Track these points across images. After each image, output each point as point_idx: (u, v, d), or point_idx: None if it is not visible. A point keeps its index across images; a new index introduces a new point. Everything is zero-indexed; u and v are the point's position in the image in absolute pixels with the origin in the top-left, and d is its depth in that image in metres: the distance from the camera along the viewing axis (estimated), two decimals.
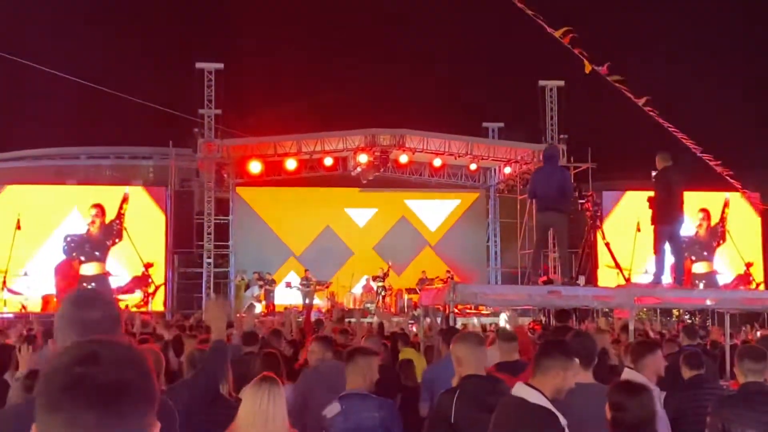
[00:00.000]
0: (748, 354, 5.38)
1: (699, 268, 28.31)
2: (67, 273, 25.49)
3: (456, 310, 13.72)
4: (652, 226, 11.76)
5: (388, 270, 26.97)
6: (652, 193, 12.04)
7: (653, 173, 11.89)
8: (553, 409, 3.93)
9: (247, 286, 26.85)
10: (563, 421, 3.93)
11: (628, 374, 6.07)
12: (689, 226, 27.97)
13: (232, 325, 11.33)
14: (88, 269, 25.81)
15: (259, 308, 25.88)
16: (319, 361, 6.79)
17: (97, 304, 2.89)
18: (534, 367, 4.18)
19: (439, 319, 11.49)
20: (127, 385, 1.57)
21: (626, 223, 23.38)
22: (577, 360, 4.22)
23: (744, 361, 5.30)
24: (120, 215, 26.09)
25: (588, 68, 13.45)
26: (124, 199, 26.27)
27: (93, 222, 25.89)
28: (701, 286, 25.92)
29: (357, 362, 5.22)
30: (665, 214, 11.57)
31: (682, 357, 6.90)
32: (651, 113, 14.77)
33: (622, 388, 4.27)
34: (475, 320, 21.99)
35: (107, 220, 26.02)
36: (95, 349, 1.60)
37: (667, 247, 11.73)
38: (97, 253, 25.97)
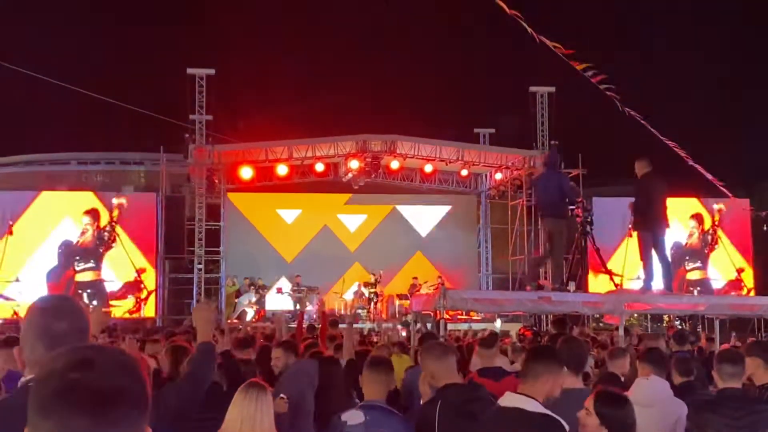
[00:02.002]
0: (727, 358, 5.44)
1: (693, 275, 28.37)
2: (60, 279, 25.44)
3: (447, 316, 13.73)
4: (635, 233, 11.80)
5: (379, 277, 27.02)
6: (633, 199, 12.09)
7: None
8: (556, 416, 3.79)
9: (239, 292, 26.82)
10: (567, 426, 3.81)
11: (656, 381, 6.09)
12: (682, 234, 28.11)
13: (222, 333, 11.28)
14: (84, 276, 25.74)
15: (251, 315, 25.85)
16: (284, 365, 6.75)
17: (66, 314, 2.81)
18: (523, 373, 4.06)
19: (429, 325, 11.51)
20: (121, 391, 1.58)
21: (618, 230, 23.47)
22: (565, 368, 4.17)
23: (722, 364, 5.35)
24: (111, 223, 26.01)
25: (581, 67, 13.54)
26: (115, 207, 26.18)
27: (85, 230, 25.87)
28: (695, 292, 26.02)
29: (379, 372, 5.02)
30: (647, 221, 11.60)
31: (673, 363, 6.91)
32: (643, 122, 14.87)
33: (607, 398, 4.20)
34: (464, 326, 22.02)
35: (100, 225, 25.98)
36: (90, 355, 1.61)
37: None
38: (91, 260, 25.91)
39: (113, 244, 25.88)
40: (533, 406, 3.81)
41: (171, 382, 5.35)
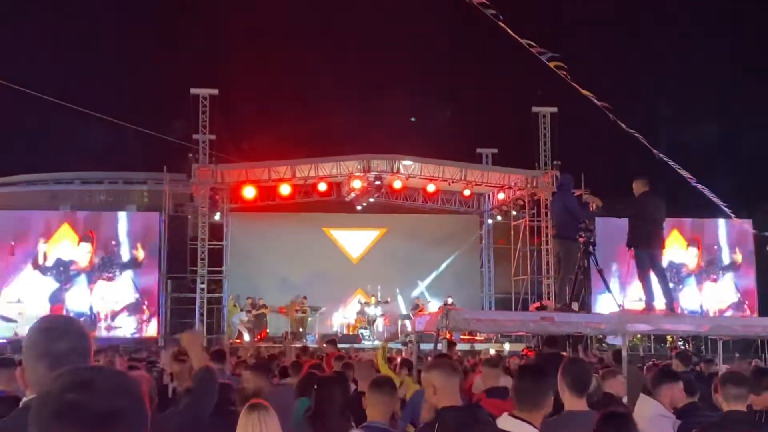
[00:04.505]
0: (731, 379, 5.38)
1: (688, 297, 28.14)
2: (64, 302, 25.42)
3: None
4: (632, 251, 11.72)
5: (387, 302, 27.01)
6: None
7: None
8: None
9: (249, 312, 26.76)
10: None
11: (643, 401, 6.06)
12: (682, 256, 27.98)
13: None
14: (75, 299, 25.65)
15: (246, 335, 25.76)
16: (255, 390, 6.63)
17: (67, 335, 2.77)
18: (521, 397, 4.02)
19: (432, 346, 11.45)
20: (119, 413, 1.58)
21: (621, 250, 23.39)
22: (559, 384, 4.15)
23: (727, 386, 5.29)
24: (123, 266, 26.02)
25: (587, 93, 13.57)
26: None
27: (85, 256, 25.88)
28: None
29: (383, 393, 4.94)
30: (642, 239, 11.54)
31: None
32: (646, 144, 14.88)
33: (609, 419, 4.18)
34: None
35: (103, 250, 25.92)
36: (89, 376, 1.61)
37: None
38: (85, 284, 25.84)
39: (109, 279, 25.90)
40: (528, 431, 3.78)
41: (173, 408, 5.31)
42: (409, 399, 7.39)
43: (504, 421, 3.90)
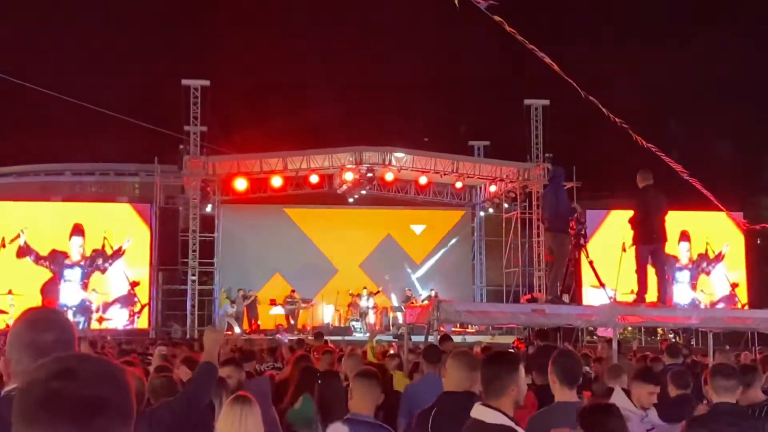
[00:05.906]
0: (720, 371, 5.37)
1: (680, 291, 28.20)
2: (58, 295, 25.32)
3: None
4: (633, 246, 11.78)
5: (378, 292, 27.02)
6: (632, 213, 12.08)
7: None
8: (514, 426, 3.86)
9: (233, 304, 26.76)
10: None
11: (615, 395, 6.08)
12: (673, 249, 28.03)
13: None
14: (69, 293, 25.56)
15: (236, 328, 25.74)
16: (237, 383, 6.56)
17: (52, 326, 2.82)
18: (485, 387, 4.07)
19: (423, 338, 11.45)
20: (104, 401, 1.56)
21: (611, 243, 23.44)
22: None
23: (716, 378, 5.29)
24: (111, 256, 25.87)
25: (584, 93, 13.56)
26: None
27: (77, 249, 25.78)
28: None
29: (366, 384, 4.97)
30: (646, 234, 11.58)
31: (669, 376, 6.89)
32: (637, 138, 14.88)
33: (590, 410, 4.17)
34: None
35: (91, 242, 25.78)
36: (73, 364, 1.59)
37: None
38: (79, 277, 25.75)
39: (99, 272, 25.80)
40: (493, 417, 3.85)
41: (167, 399, 5.29)
42: (403, 394, 7.37)
43: (476, 410, 3.97)
